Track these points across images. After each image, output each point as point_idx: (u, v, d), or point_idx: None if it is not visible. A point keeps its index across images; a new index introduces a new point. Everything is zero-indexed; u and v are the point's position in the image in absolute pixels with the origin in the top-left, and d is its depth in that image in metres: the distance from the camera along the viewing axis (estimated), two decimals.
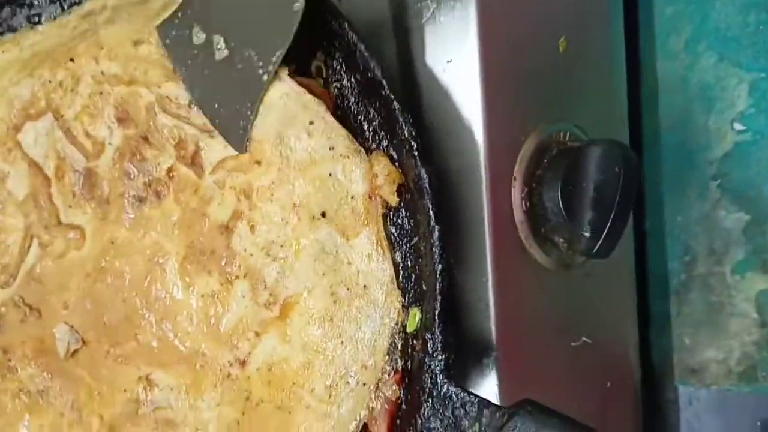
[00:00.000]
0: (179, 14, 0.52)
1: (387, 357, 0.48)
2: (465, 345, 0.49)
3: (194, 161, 0.51)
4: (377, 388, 0.47)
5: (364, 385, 0.47)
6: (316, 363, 0.48)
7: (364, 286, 0.48)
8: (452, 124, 0.51)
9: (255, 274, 0.49)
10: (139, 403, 0.54)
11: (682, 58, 0.63)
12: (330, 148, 0.47)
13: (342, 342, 0.48)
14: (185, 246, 0.51)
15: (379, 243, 0.48)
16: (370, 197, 0.47)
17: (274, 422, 0.50)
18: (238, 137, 0.50)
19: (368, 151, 0.48)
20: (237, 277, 0.50)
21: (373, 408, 0.47)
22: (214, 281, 0.51)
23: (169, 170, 0.52)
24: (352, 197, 0.48)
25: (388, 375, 0.47)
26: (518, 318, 0.52)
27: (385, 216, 0.48)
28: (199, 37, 0.51)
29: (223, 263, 0.50)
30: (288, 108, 0.48)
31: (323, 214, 0.48)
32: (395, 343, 0.48)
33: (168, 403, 0.53)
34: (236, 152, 0.50)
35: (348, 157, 0.47)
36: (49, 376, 0.57)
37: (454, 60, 0.51)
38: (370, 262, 0.48)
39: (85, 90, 0.54)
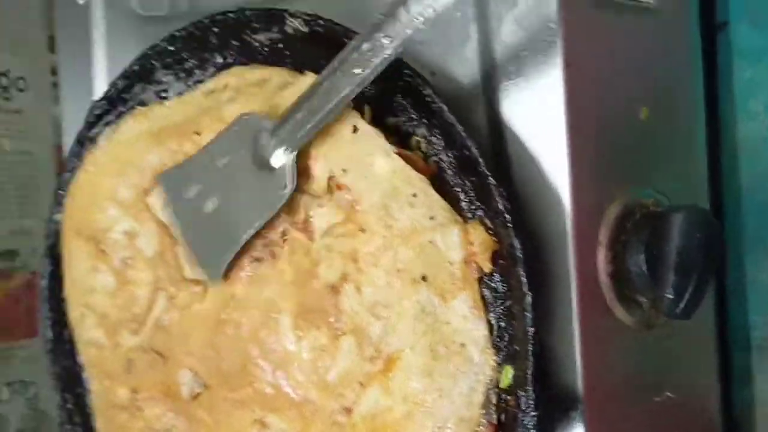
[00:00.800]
0: (182, 167, 0.61)
1: (482, 410, 0.52)
2: (554, 399, 0.53)
3: (305, 227, 0.57)
4: None
5: None
6: (416, 414, 0.53)
7: (462, 344, 0.52)
8: (540, 192, 0.55)
9: (361, 331, 0.55)
10: None
11: (762, 119, 0.65)
12: (431, 218, 0.53)
13: (440, 395, 0.52)
14: (297, 303, 0.57)
15: (474, 305, 0.52)
16: (466, 263, 0.52)
17: None
18: (215, 272, 0.59)
19: (465, 220, 0.53)
20: (344, 333, 0.55)
21: None
22: (323, 336, 0.56)
23: (283, 234, 0.58)
24: (450, 263, 0.53)
25: (484, 427, 0.52)
26: (604, 374, 0.55)
27: (480, 279, 0.52)
28: (193, 191, 0.59)
29: (331, 320, 0.56)
30: (394, 183, 0.53)
31: (424, 278, 0.53)
32: (490, 398, 0.52)
33: None
34: (342, 220, 0.55)
35: (447, 227, 0.52)
36: (173, 415, 0.63)
37: (542, 131, 0.55)
38: (467, 322, 0.52)
39: None
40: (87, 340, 0.67)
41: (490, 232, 0.52)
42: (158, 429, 0.64)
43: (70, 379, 0.71)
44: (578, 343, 0.54)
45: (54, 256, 0.70)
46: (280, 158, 0.54)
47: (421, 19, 0.47)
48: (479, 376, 0.52)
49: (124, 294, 0.65)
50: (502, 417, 0.52)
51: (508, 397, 0.51)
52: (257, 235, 0.59)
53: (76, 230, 0.67)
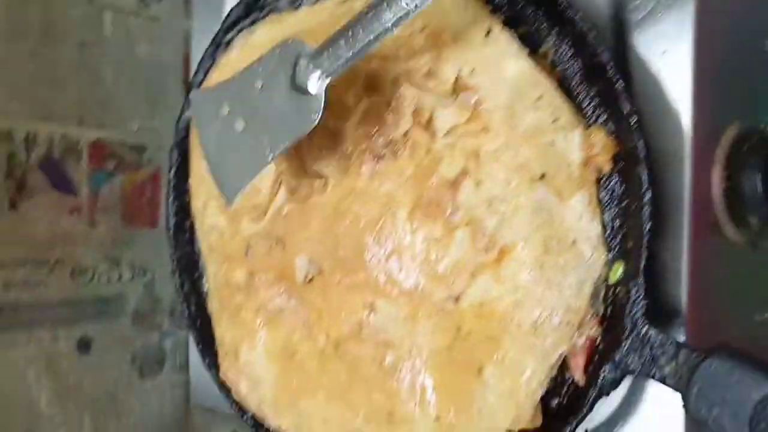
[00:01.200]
0: (215, 89, 0.63)
1: (590, 302, 0.55)
2: (657, 304, 0.56)
3: (428, 127, 0.61)
4: (579, 327, 0.55)
5: (568, 324, 0.55)
6: (525, 303, 0.56)
7: (573, 240, 0.55)
8: (661, 109, 0.57)
9: (476, 223, 0.58)
10: (362, 326, 0.64)
11: None
12: (554, 120, 0.55)
13: (550, 287, 0.56)
14: (415, 197, 0.61)
15: (591, 204, 0.55)
16: (585, 164, 0.55)
17: (482, 349, 0.58)
18: (232, 193, 0.61)
19: (587, 125, 0.55)
20: (458, 227, 0.59)
21: (575, 344, 0.55)
22: (438, 228, 0.60)
23: (406, 133, 0.62)
24: (569, 164, 0.55)
25: (590, 317, 0.55)
26: (708, 289, 0.57)
27: (597, 181, 0.55)
28: (224, 111, 0.60)
29: (447, 213, 0.59)
30: (521, 85, 0.56)
31: (542, 177, 0.56)
32: (598, 292, 0.55)
33: (386, 328, 0.63)
34: (465, 120, 0.59)
35: (569, 129, 0.55)
36: (287, 297, 0.68)
37: (669, 52, 0.57)
38: (581, 220, 0.55)
39: None
40: (209, 226, 0.73)
41: (612, 135, 0.54)
42: (270, 309, 0.69)
43: (189, 264, 0.77)
44: (686, 257, 0.56)
45: (182, 150, 0.76)
46: (315, 84, 0.55)
47: None
48: (590, 270, 0.55)
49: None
50: (608, 310, 0.55)
51: (618, 289, 0.53)
52: (378, 134, 0.63)
53: None
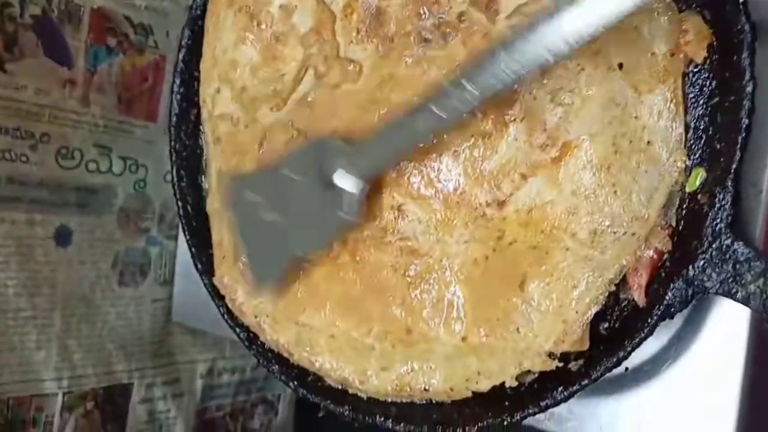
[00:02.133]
0: (251, 177, 0.61)
1: (661, 212, 0.48)
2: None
3: (489, 6, 0.53)
4: (647, 239, 0.48)
5: (633, 235, 0.48)
6: (583, 208, 0.49)
7: (648, 141, 0.48)
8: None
9: (535, 116, 0.51)
10: (386, 231, 0.56)
11: None
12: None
13: (615, 192, 0.49)
14: None
15: (673, 101, 0.48)
16: (673, 54, 0.48)
17: (527, 260, 0.51)
18: (267, 285, 0.60)
19: (679, 9, 0.48)
20: (514, 120, 0.52)
21: (640, 257, 0.48)
22: (488, 122, 0.52)
23: (461, 15, 0.54)
24: (653, 54, 0.48)
25: (661, 228, 0.48)
26: None
27: (684, 75, 0.48)
28: (256, 199, 0.59)
29: (501, 104, 0.52)
30: None
31: (620, 66, 0.49)
32: (672, 200, 0.48)
33: (414, 234, 0.56)
34: None
35: (657, 13, 0.48)
36: None
37: None
38: (659, 119, 0.48)
39: None
40: (220, 114, 0.65)
41: (708, 23, 0.47)
42: None
43: (189, 159, 0.69)
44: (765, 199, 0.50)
45: (194, 29, 0.68)
46: (351, 184, 0.53)
47: (512, 74, 0.45)
48: (664, 176, 0.48)
49: (268, 69, 0.62)
50: (681, 222, 0.48)
51: (700, 196, 0.47)
52: (428, 14, 0.55)
53: (230, 0, 0.64)
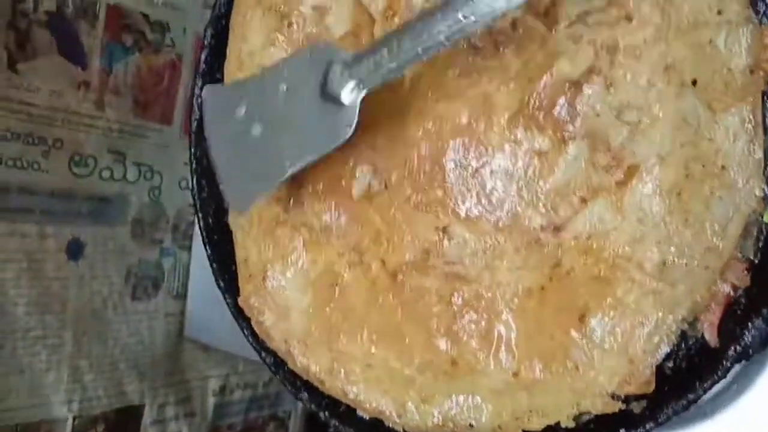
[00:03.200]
0: (232, 87, 0.56)
1: (738, 243, 0.44)
2: None
3: (548, 13, 0.49)
4: (722, 273, 0.44)
5: (706, 268, 0.44)
6: (650, 237, 0.46)
7: (722, 166, 0.45)
8: None
9: (598, 135, 0.47)
10: (429, 254, 0.53)
11: None
12: (718, 12, 0.44)
13: (686, 220, 0.45)
14: (518, 99, 0.50)
15: (751, 122, 0.44)
16: (752, 71, 0.44)
17: (587, 291, 0.47)
18: (240, 204, 0.55)
19: (759, 22, 0.45)
20: (573, 138, 0.48)
21: (715, 292, 0.44)
22: (545, 139, 0.49)
23: (515, 22, 0.50)
24: (729, 69, 0.45)
25: (738, 261, 0.44)
26: None
27: (764, 94, 0.44)
28: (240, 112, 0.54)
29: (561, 121, 0.48)
30: None
31: (694, 82, 0.45)
32: (749, 231, 0.44)
33: (460, 259, 0.52)
34: (604, 4, 0.47)
35: (737, 25, 0.44)
36: (337, 214, 0.56)
37: None
38: (736, 141, 0.45)
39: None
40: None
41: None
42: (315, 226, 0.57)
43: (210, 167, 0.64)
44: None
45: (218, 28, 0.63)
46: (349, 94, 0.49)
47: None
48: (740, 205, 0.44)
49: None
50: (760, 254, 0.44)
51: None
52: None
53: None
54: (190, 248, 0.75)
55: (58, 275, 0.63)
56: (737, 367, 0.50)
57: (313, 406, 0.57)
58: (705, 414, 0.52)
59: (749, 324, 0.43)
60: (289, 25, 0.58)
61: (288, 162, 0.52)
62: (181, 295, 0.75)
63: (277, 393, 0.86)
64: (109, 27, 0.64)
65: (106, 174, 0.66)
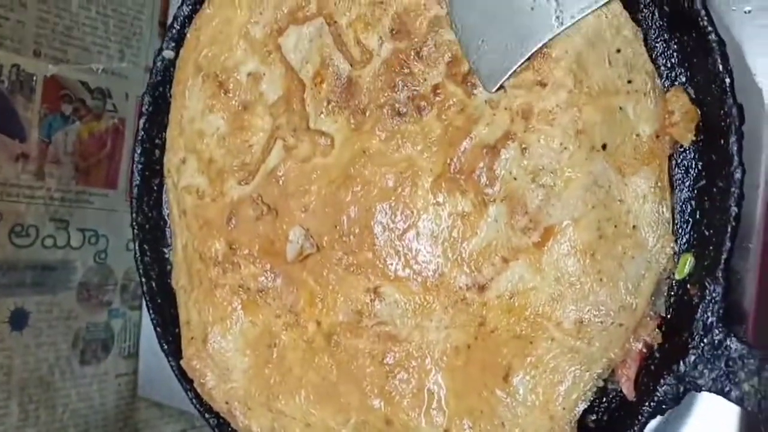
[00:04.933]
0: None
1: (650, 301, 0.46)
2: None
3: (465, 80, 0.51)
4: (636, 330, 0.46)
5: (620, 325, 0.46)
6: (567, 296, 0.47)
7: (633, 226, 0.46)
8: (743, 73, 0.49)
9: (516, 198, 0.49)
10: (362, 315, 0.54)
11: None
12: (628, 82, 0.46)
13: (601, 279, 0.46)
14: (441, 163, 0.51)
15: (658, 184, 0.46)
16: (658, 136, 0.46)
17: (510, 350, 0.48)
18: (493, 76, 0.49)
19: (664, 89, 0.47)
20: (494, 200, 0.49)
21: (627, 350, 0.46)
22: (467, 202, 0.50)
23: (436, 87, 0.52)
24: (638, 135, 0.46)
25: (650, 318, 0.46)
26: None
27: (670, 157, 0.46)
28: None
29: (481, 184, 0.50)
30: (601, 29, 0.46)
31: (604, 146, 0.47)
32: (660, 289, 0.46)
33: (391, 319, 0.53)
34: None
35: (644, 95, 0.46)
36: (272, 276, 0.57)
37: (753, 10, 0.49)
38: (645, 203, 0.46)
39: None
40: (186, 186, 0.61)
41: (694, 101, 0.45)
42: (251, 288, 0.58)
43: (152, 232, 0.65)
44: (758, 258, 0.48)
45: (155, 96, 0.65)
46: None
47: None
48: (651, 263, 0.46)
49: (236, 140, 0.59)
50: (671, 311, 0.46)
51: (689, 287, 0.44)
52: (402, 86, 0.53)
53: (197, 67, 0.61)
54: (140, 307, 0.75)
55: (2, 346, 0.63)
56: (659, 421, 0.52)
57: None
58: None
59: (662, 381, 0.44)
60: (226, 92, 0.60)
61: (553, 13, 0.46)
62: (133, 355, 0.75)
63: None
64: (46, 98, 0.65)
65: (48, 242, 0.66)
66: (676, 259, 0.46)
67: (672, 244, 0.46)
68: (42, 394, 0.65)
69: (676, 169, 0.46)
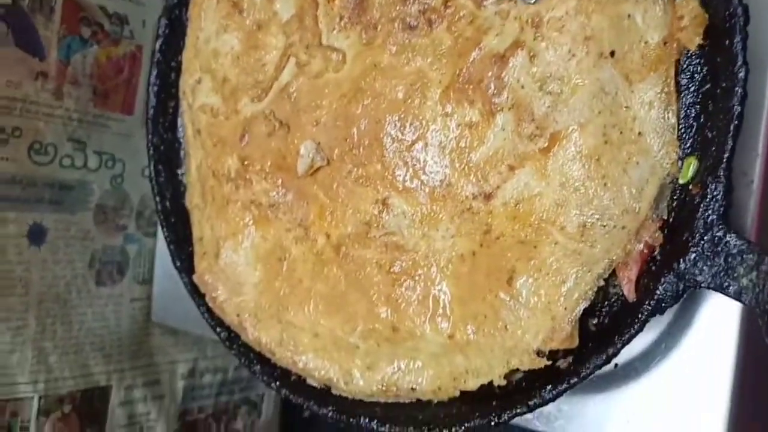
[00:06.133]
0: None
1: (653, 205, 0.46)
2: None
3: None
4: (638, 232, 0.46)
5: (623, 228, 0.46)
6: (572, 201, 0.48)
7: (639, 132, 0.47)
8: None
9: (523, 106, 0.49)
10: (370, 226, 0.55)
11: None
12: None
13: (605, 184, 0.47)
14: (451, 74, 0.52)
15: (664, 90, 0.46)
16: (665, 43, 0.46)
17: (514, 255, 0.49)
18: None
19: None
20: (501, 109, 0.50)
21: (630, 251, 0.46)
22: (475, 112, 0.51)
23: (447, 0, 0.53)
24: (646, 42, 0.47)
25: (652, 221, 0.46)
26: None
27: (677, 63, 0.47)
28: None
29: (489, 93, 0.50)
30: None
31: (612, 54, 0.47)
32: (663, 193, 0.47)
33: (399, 229, 0.54)
34: None
35: (653, 2, 0.46)
36: (283, 191, 0.59)
37: None
38: (650, 109, 0.47)
39: None
40: (201, 105, 0.63)
41: (704, 5, 0.46)
42: (263, 203, 0.59)
43: (167, 153, 0.67)
44: (760, 163, 0.49)
45: (171, 19, 0.66)
46: None
47: None
48: (655, 168, 0.46)
49: (249, 59, 0.61)
50: (673, 214, 0.46)
51: (691, 187, 0.45)
52: (414, 0, 0.54)
53: None
54: (155, 234, 0.77)
55: (20, 260, 0.64)
56: (664, 327, 0.53)
57: (264, 378, 0.59)
58: (637, 372, 0.54)
59: (662, 279, 0.45)
60: (240, 11, 0.61)
61: None
62: (147, 281, 0.76)
63: (249, 377, 0.88)
64: (65, 19, 0.66)
65: (66, 162, 0.68)
66: (679, 164, 0.46)
67: (676, 149, 0.46)
68: (59, 310, 0.67)
69: (682, 74, 0.47)
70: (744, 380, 0.50)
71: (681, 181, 0.46)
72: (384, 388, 0.55)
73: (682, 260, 0.44)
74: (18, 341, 0.64)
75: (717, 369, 0.51)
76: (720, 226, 0.43)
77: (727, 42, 0.44)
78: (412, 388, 0.54)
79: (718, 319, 0.50)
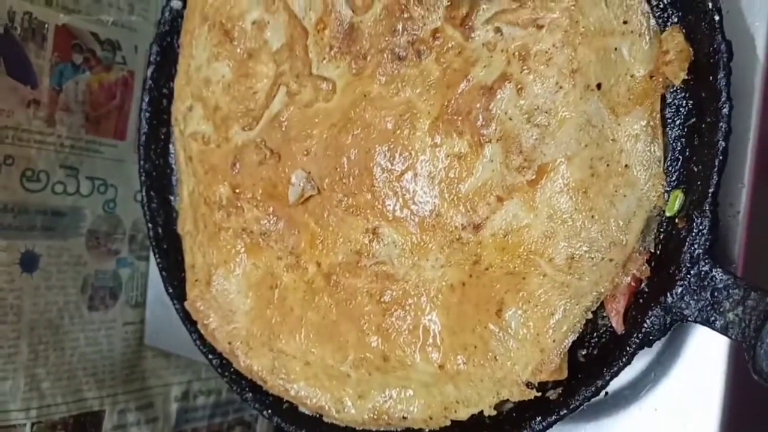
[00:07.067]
0: None
1: (640, 237, 0.47)
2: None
3: (463, 23, 0.52)
4: (624, 266, 0.47)
5: (611, 261, 0.47)
6: (560, 233, 0.48)
7: (626, 165, 0.47)
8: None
9: (511, 138, 0.50)
10: (360, 255, 0.55)
11: None
12: (624, 22, 0.47)
13: (593, 216, 0.47)
14: (439, 105, 0.52)
15: (650, 124, 0.47)
16: (651, 77, 0.47)
17: (503, 286, 0.50)
18: None
19: (659, 30, 0.47)
20: (489, 141, 0.50)
21: (618, 284, 0.47)
22: (464, 143, 0.51)
23: (435, 31, 0.53)
24: (632, 76, 0.47)
25: (639, 254, 0.47)
26: (766, 235, 0.50)
27: (662, 97, 0.47)
28: None
29: (477, 125, 0.51)
30: None
31: (598, 86, 0.47)
32: (650, 225, 0.47)
33: (389, 259, 0.54)
34: (516, 5, 0.50)
35: (639, 36, 0.47)
36: (275, 219, 0.59)
37: None
38: (636, 142, 0.47)
39: None
40: (192, 133, 0.63)
41: (689, 40, 0.46)
42: (254, 231, 0.60)
43: (159, 179, 0.67)
44: (746, 198, 0.49)
45: (163, 47, 0.66)
46: None
47: None
48: (642, 201, 0.47)
49: (240, 87, 0.61)
50: (660, 247, 0.47)
51: (677, 221, 0.45)
52: (402, 31, 0.54)
53: (204, 16, 0.63)
54: (147, 258, 0.77)
55: (12, 287, 0.65)
56: (653, 356, 0.53)
57: (256, 405, 0.59)
58: (627, 400, 0.54)
59: (650, 312, 0.45)
60: (232, 40, 0.61)
61: None
62: (140, 304, 0.77)
63: None
64: (58, 47, 0.66)
65: (59, 188, 0.68)
66: (666, 197, 0.47)
67: (663, 182, 0.47)
68: (51, 336, 0.67)
69: (668, 108, 0.47)
70: (732, 410, 0.50)
71: (668, 214, 0.47)
72: (375, 417, 0.55)
73: (669, 294, 0.45)
74: (10, 368, 0.64)
75: (706, 399, 0.51)
76: (706, 261, 0.44)
77: (711, 78, 0.44)
78: (404, 417, 0.54)
79: (707, 349, 0.50)
